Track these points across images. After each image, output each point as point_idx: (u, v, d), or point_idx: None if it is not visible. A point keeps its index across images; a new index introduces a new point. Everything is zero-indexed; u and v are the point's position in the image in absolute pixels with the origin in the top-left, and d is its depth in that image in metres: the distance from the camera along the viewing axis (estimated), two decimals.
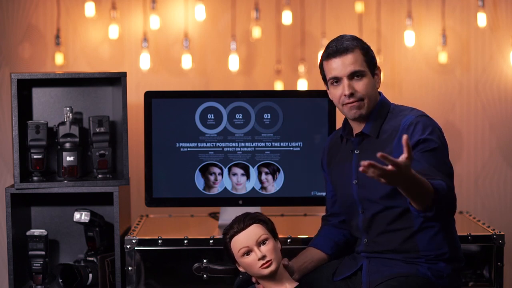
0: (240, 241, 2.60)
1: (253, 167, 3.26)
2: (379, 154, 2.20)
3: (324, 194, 3.10)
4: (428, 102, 3.88)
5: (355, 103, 2.65)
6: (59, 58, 3.79)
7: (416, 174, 2.31)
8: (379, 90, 2.74)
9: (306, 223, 3.46)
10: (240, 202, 3.26)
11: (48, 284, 3.24)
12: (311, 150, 3.24)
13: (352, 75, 2.64)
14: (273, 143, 3.25)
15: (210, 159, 3.26)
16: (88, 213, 3.22)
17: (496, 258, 3.07)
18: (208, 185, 3.27)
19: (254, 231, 2.60)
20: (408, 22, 3.82)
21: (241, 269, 2.66)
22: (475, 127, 3.91)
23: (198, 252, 3.09)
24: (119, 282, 3.15)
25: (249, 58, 3.88)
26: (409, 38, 3.81)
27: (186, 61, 3.79)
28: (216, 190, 3.27)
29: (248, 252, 2.60)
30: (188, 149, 3.26)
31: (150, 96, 3.25)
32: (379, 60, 3.05)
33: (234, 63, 3.80)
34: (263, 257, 2.58)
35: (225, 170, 3.26)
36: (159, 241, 3.09)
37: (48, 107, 3.45)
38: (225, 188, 3.26)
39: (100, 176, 3.24)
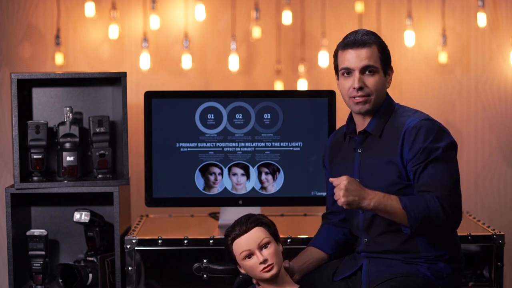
0: (241, 244, 2.58)
1: (253, 167, 3.25)
2: (330, 179, 2.52)
3: (324, 194, 3.10)
4: (428, 102, 3.88)
5: (362, 98, 2.65)
6: (59, 58, 3.79)
7: (378, 205, 2.49)
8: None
9: (306, 223, 3.45)
10: (240, 202, 3.26)
11: (48, 284, 3.24)
12: (311, 150, 3.24)
13: (365, 69, 2.64)
14: (273, 143, 3.25)
15: (210, 159, 3.26)
16: (88, 213, 3.22)
17: (496, 258, 3.07)
18: (208, 185, 3.26)
19: (256, 234, 2.57)
20: (408, 22, 3.82)
21: (242, 270, 2.64)
22: (475, 127, 3.91)
23: (198, 252, 3.09)
24: (119, 282, 3.15)
25: (249, 58, 3.88)
26: (409, 38, 3.81)
27: (186, 61, 3.79)
28: (216, 190, 3.27)
29: (249, 256, 2.57)
30: (188, 149, 3.26)
31: (150, 96, 3.25)
32: None
33: (234, 63, 3.80)
34: (265, 261, 2.55)
35: (225, 170, 3.26)
36: (159, 241, 3.09)
37: (48, 107, 3.45)
38: (225, 188, 3.26)
39: (100, 176, 3.24)
